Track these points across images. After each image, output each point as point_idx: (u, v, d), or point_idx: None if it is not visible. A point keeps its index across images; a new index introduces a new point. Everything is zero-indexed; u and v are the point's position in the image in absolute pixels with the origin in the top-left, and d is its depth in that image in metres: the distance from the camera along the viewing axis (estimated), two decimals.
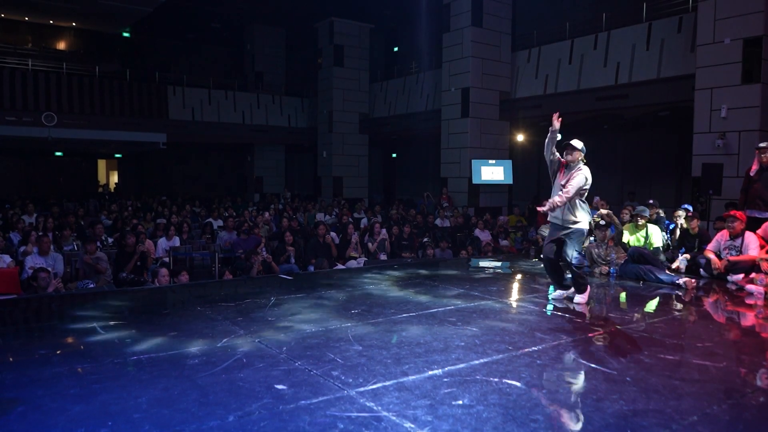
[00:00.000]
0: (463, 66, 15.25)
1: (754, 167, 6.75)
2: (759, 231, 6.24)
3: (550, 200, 4.91)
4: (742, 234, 6.12)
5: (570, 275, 5.14)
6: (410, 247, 10.12)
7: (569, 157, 4.92)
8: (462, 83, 15.29)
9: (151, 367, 3.23)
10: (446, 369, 3.22)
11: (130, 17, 20.79)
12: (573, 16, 14.85)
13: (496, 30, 15.37)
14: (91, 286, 6.63)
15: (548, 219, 5.23)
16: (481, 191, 15.42)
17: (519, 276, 6.83)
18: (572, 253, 5.02)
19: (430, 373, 3.15)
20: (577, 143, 4.92)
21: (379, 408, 2.67)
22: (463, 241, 10.93)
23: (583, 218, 4.97)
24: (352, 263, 9.07)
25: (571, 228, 4.95)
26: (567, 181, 4.84)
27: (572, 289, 5.19)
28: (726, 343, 3.96)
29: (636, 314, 4.99)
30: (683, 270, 6.55)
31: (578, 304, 4.99)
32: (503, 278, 6.78)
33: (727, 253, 6.18)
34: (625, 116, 14.06)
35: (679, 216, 7.68)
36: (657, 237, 7.12)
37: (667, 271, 6.33)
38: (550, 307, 4.97)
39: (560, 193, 4.84)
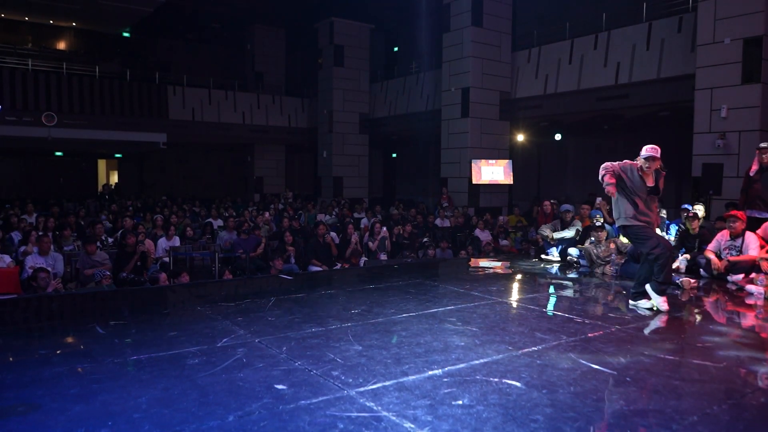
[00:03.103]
0: (463, 66, 15.25)
1: (754, 167, 6.74)
2: (759, 231, 6.24)
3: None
4: (742, 234, 6.12)
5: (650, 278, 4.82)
6: (411, 247, 10.12)
7: (653, 167, 4.73)
8: (462, 83, 15.28)
9: (151, 367, 3.23)
10: (446, 369, 3.22)
11: (130, 17, 20.80)
12: (573, 16, 14.84)
13: (496, 30, 15.37)
14: (107, 273, 6.64)
15: (634, 223, 4.85)
16: (481, 191, 15.41)
17: (519, 276, 6.83)
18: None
19: (430, 373, 3.15)
20: (657, 152, 4.72)
21: (379, 408, 2.67)
22: (463, 241, 10.93)
23: None
24: None
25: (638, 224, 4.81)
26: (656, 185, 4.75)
27: (645, 300, 4.89)
28: (726, 343, 3.96)
29: (636, 314, 4.99)
30: (683, 270, 6.55)
31: (665, 309, 4.72)
32: (503, 278, 6.78)
33: (728, 253, 6.18)
34: (625, 116, 14.06)
35: (699, 210, 7.58)
36: None
37: None
38: (550, 307, 4.97)
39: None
